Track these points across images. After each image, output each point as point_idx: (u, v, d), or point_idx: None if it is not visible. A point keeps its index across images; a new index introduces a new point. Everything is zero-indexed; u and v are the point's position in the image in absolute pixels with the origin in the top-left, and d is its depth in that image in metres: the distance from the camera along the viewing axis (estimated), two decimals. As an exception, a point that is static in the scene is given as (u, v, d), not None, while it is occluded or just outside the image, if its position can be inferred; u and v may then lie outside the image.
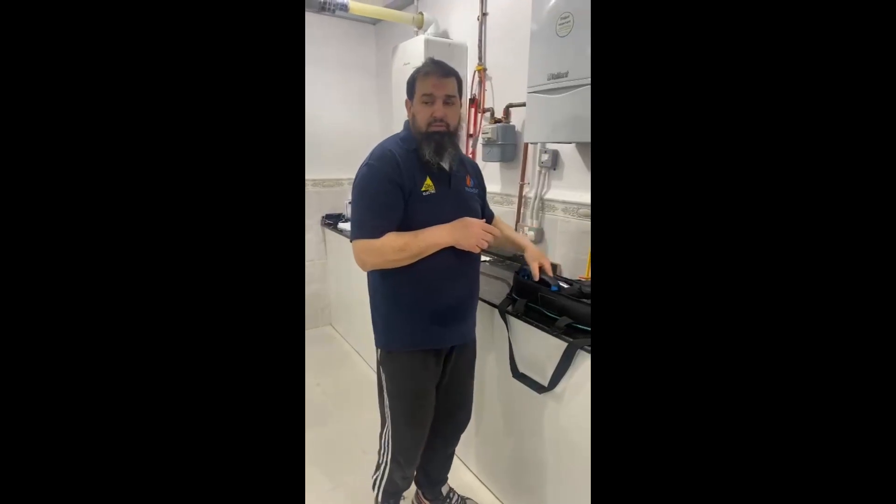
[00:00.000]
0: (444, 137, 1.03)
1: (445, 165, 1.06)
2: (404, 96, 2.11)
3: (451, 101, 1.03)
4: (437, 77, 1.01)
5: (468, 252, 1.06)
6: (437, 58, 1.88)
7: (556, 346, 1.14)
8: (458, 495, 1.44)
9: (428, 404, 1.19)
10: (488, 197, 1.28)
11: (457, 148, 1.07)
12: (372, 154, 1.05)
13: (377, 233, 1.00)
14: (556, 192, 1.68)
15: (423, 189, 1.03)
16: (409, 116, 1.09)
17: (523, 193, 1.79)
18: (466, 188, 1.13)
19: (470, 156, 1.96)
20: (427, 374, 1.15)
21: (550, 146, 1.64)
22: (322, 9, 1.94)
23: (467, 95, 1.98)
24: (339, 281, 2.75)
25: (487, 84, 1.95)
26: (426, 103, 1.02)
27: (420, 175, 1.04)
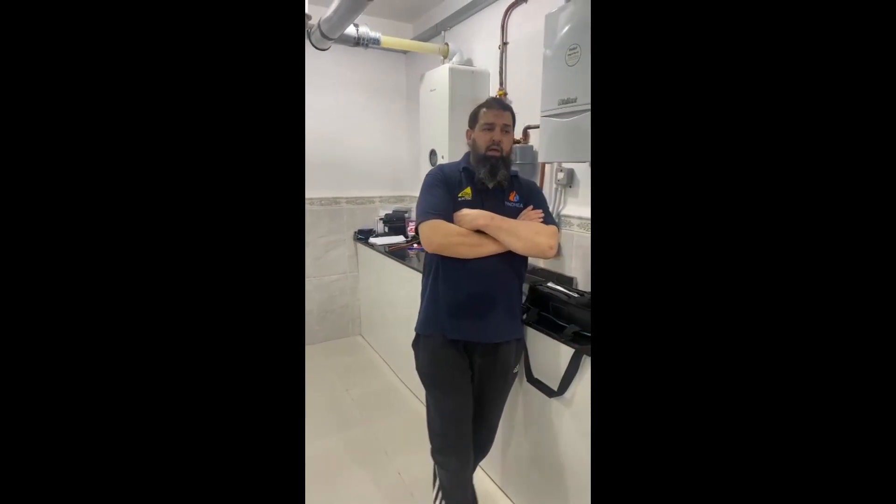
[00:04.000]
0: (499, 161, 1.22)
1: (500, 180, 1.23)
2: (432, 121, 2.29)
3: (507, 129, 1.24)
4: (497, 109, 1.23)
5: (489, 256, 1.20)
6: (460, 84, 2.04)
7: (566, 352, 1.21)
8: None
9: (454, 393, 1.26)
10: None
11: (508, 169, 1.25)
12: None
13: (428, 216, 1.19)
14: (571, 209, 1.76)
15: (461, 195, 1.23)
16: (468, 142, 1.30)
17: (549, 209, 1.87)
18: (507, 201, 1.26)
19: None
20: (447, 360, 1.24)
21: (566, 165, 1.73)
22: (356, 43, 2.14)
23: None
24: (368, 293, 2.89)
25: (508, 107, 2.07)
26: (487, 130, 1.22)
27: (462, 185, 1.25)
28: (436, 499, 1.42)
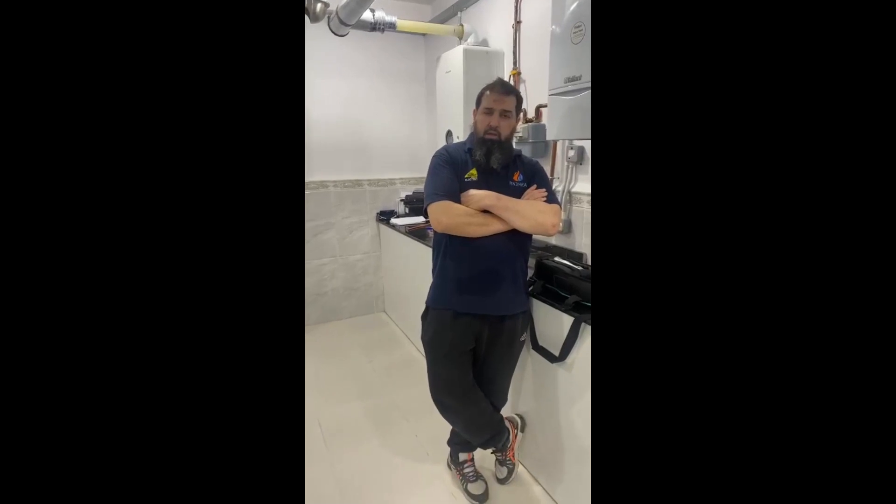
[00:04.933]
0: (494, 145, 1.28)
1: (493, 166, 1.29)
2: (448, 102, 2.34)
3: (506, 114, 1.28)
4: (498, 94, 1.27)
5: (495, 234, 1.27)
6: (475, 64, 2.08)
7: (567, 321, 1.27)
8: (475, 468, 1.55)
9: (449, 363, 1.35)
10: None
11: (505, 152, 1.29)
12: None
13: (436, 198, 1.26)
14: (581, 186, 1.79)
15: (467, 176, 1.30)
16: (473, 123, 1.35)
17: (552, 188, 1.91)
18: (511, 181, 1.33)
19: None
20: (451, 333, 1.33)
21: (577, 142, 1.76)
22: (373, 28, 2.20)
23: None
24: (391, 271, 3.01)
25: (522, 87, 2.10)
26: (486, 114, 1.28)
27: (468, 166, 1.31)
28: (453, 451, 1.58)
